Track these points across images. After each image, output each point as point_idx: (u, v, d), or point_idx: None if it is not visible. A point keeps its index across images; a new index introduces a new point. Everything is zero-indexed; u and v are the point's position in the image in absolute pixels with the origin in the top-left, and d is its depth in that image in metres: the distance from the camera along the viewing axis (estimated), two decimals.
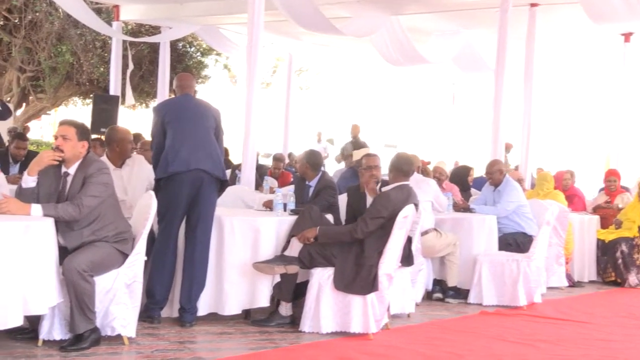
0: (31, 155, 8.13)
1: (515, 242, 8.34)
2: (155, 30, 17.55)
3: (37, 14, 18.73)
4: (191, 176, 6.16)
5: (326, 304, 6.11)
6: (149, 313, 6.10)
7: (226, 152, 14.32)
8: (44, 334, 5.24)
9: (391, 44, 13.59)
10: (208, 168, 6.23)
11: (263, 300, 6.36)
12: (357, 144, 15.20)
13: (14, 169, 8.51)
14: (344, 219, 6.93)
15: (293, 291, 6.33)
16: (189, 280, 6.18)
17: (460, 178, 10.29)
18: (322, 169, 7.83)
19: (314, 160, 7.55)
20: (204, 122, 6.38)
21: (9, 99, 20.52)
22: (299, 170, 7.58)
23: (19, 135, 9.78)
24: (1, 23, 19.31)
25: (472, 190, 10.38)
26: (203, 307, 6.30)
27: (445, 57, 14.48)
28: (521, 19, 11.28)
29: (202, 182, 6.20)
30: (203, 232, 6.22)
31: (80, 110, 22.53)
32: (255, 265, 6.18)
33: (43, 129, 27.45)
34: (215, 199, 6.36)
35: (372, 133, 27.34)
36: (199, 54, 21.85)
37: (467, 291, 8.00)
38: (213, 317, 6.33)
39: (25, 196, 5.34)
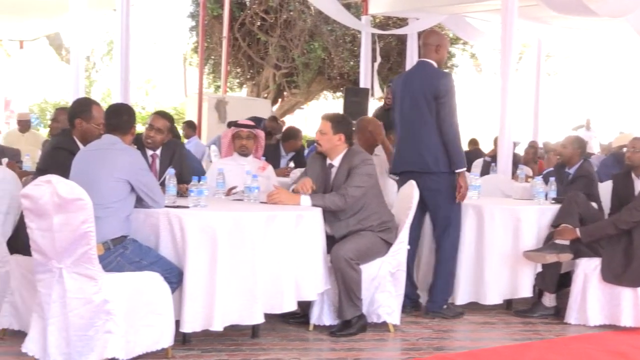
0: (302, 150, 8.40)
1: None
2: (402, 22, 17.74)
3: (291, 12, 19.63)
4: (403, 178, 6.04)
5: (593, 295, 5.89)
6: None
7: (475, 142, 14.13)
8: (314, 319, 5.46)
9: None
10: (415, 167, 5.99)
11: (525, 290, 6.20)
12: None
13: (284, 161, 8.85)
14: (609, 207, 6.65)
15: (557, 282, 6.17)
16: (434, 276, 6.13)
17: None
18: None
19: (584, 146, 7.25)
20: (418, 107, 5.99)
21: (266, 95, 21.69)
22: (565, 154, 7.27)
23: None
24: (259, 23, 20.43)
25: None
26: (463, 296, 6.27)
27: None
28: None
29: (414, 183, 5.81)
30: (438, 231, 6.09)
31: (331, 104, 23.29)
32: (525, 254, 6.03)
33: (296, 124, 28.63)
34: (442, 192, 5.99)
35: (627, 119, 26.00)
36: None
37: None
38: (474, 307, 6.29)
39: None
